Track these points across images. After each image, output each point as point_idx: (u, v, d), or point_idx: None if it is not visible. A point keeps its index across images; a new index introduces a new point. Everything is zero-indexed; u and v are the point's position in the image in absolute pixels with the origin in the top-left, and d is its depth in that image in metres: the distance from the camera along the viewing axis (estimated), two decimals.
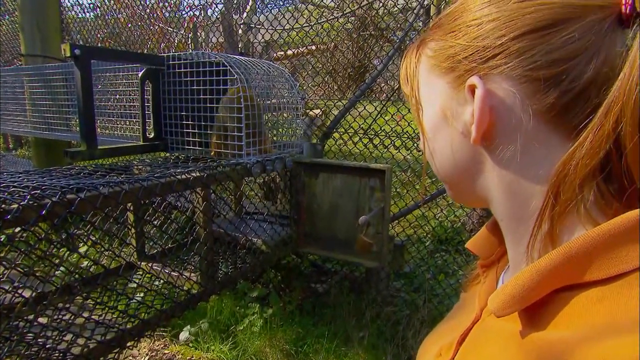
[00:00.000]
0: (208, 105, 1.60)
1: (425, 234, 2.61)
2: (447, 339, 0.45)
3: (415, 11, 3.52)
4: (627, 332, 0.24)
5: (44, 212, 0.95)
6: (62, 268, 1.54)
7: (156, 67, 1.68)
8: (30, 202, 0.94)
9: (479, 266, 0.49)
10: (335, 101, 3.45)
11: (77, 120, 2.24)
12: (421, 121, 0.42)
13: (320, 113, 4.12)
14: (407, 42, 5.57)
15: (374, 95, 5.20)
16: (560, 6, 0.31)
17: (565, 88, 0.31)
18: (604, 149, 0.29)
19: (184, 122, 1.69)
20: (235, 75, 1.48)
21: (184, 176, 1.30)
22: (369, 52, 5.46)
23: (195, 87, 1.62)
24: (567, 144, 0.31)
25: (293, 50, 5.92)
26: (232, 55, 1.66)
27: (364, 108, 2.49)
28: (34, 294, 1.28)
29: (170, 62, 1.66)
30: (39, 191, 0.99)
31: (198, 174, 1.35)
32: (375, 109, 2.49)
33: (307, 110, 4.46)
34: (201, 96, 1.61)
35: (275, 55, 6.53)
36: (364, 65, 5.21)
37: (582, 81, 0.30)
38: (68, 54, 1.41)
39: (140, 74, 1.67)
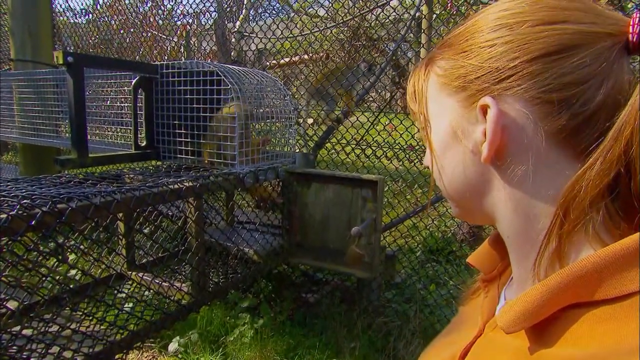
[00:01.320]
0: (201, 114, 1.60)
1: (416, 244, 2.63)
2: (447, 352, 0.45)
3: (407, 23, 3.58)
4: (636, 353, 0.25)
5: (33, 222, 0.94)
6: (50, 278, 1.51)
7: (149, 76, 1.67)
8: (20, 212, 0.93)
9: (480, 280, 0.50)
10: (325, 110, 3.47)
11: (67, 126, 2.21)
12: (429, 138, 0.42)
13: (313, 122, 4.15)
14: (399, 54, 5.64)
15: (366, 105, 5.24)
16: (571, 32, 0.33)
17: (576, 111, 0.32)
18: (614, 171, 0.30)
19: (177, 130, 1.68)
20: (229, 85, 1.48)
21: (176, 186, 1.29)
22: (360, 63, 5.53)
23: (188, 96, 1.62)
24: (576, 165, 0.32)
25: (286, 59, 5.96)
26: (225, 65, 1.67)
27: (357, 119, 2.51)
28: (20, 306, 1.25)
29: (164, 71, 1.66)
30: (28, 200, 0.97)
31: (190, 184, 1.34)
32: (368, 119, 2.51)
33: (300, 119, 4.48)
34: (194, 105, 1.61)
35: (268, 63, 6.56)
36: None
37: (593, 105, 0.32)
38: (61, 62, 1.40)
39: (133, 82, 1.67)
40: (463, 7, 4.07)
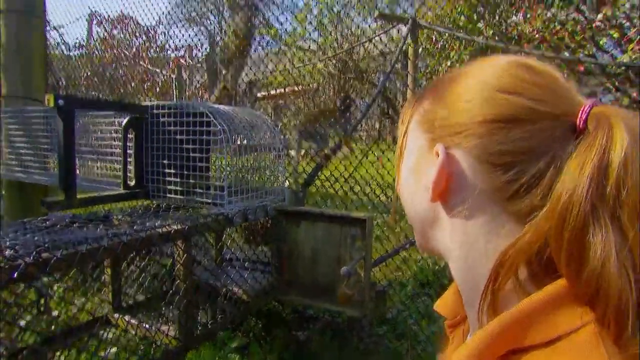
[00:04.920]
0: (191, 154, 1.61)
1: (407, 278, 2.61)
2: None
3: (396, 54, 3.70)
4: None
5: (16, 274, 0.92)
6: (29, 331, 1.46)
7: (140, 116, 1.69)
8: (2, 264, 0.91)
9: (446, 326, 0.52)
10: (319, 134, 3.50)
11: (56, 160, 2.20)
12: (399, 167, 0.47)
13: (304, 155, 4.19)
14: (388, 85, 5.77)
15: (357, 135, 5.33)
16: (522, 106, 0.36)
17: (512, 178, 0.35)
18: (540, 242, 0.33)
19: (166, 170, 1.69)
20: (219, 127, 1.51)
21: (164, 229, 1.29)
22: (350, 93, 5.65)
23: (178, 137, 1.63)
24: (521, 227, 0.35)
25: (277, 90, 6.07)
26: (215, 105, 1.70)
27: (346, 154, 2.54)
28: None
29: (154, 111, 1.68)
30: (11, 251, 0.96)
31: (179, 226, 1.34)
32: (357, 157, 2.55)
33: (290, 151, 4.53)
34: (184, 145, 1.62)
35: (259, 95, 6.68)
36: (346, 106, 5.38)
37: (528, 176, 0.35)
38: (52, 105, 1.41)
39: (124, 122, 1.68)
40: (447, 44, 4.25)
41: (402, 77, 5.17)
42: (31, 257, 0.96)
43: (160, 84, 5.34)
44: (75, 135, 1.45)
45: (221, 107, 1.72)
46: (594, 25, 3.82)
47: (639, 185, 0.30)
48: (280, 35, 5.55)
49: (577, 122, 0.34)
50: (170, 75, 5.04)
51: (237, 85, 6.42)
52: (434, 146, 0.40)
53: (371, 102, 3.07)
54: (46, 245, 1.03)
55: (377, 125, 5.90)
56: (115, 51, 6.13)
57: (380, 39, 4.92)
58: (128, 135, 1.71)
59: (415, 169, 0.44)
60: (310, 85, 5.19)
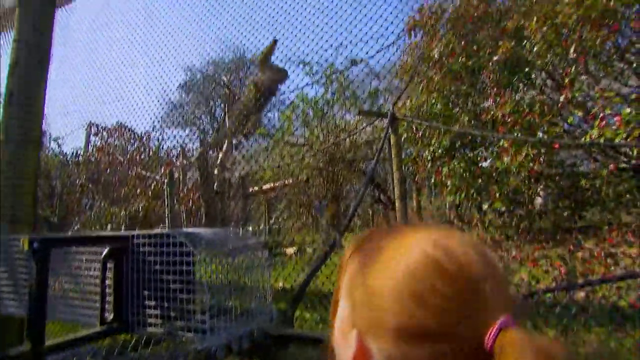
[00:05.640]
0: (171, 286, 1.55)
1: None
2: None
3: (379, 146, 3.84)
4: None
5: None
6: None
7: (120, 246, 1.66)
8: None
9: None
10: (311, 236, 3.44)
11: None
12: (333, 320, 0.47)
13: (297, 251, 4.12)
14: (378, 170, 5.88)
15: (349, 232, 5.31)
16: (427, 324, 0.36)
17: None
18: None
19: (147, 302, 1.61)
20: (198, 257, 1.47)
21: None
22: (340, 183, 5.77)
23: (158, 267, 1.59)
24: None
25: (268, 185, 6.20)
26: (197, 231, 1.68)
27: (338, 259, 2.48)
28: None
29: (135, 241, 1.65)
30: None
31: None
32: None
33: (284, 249, 4.46)
34: (164, 276, 1.57)
35: (250, 190, 6.80)
36: (336, 196, 5.45)
37: None
38: (26, 248, 1.38)
39: (104, 253, 1.65)
40: (427, 132, 4.47)
41: (390, 163, 5.29)
42: None
43: (152, 188, 5.44)
44: (48, 278, 1.39)
45: (203, 232, 1.71)
46: (559, 105, 4.07)
47: None
48: (268, 131, 5.84)
49: (485, 344, 0.34)
50: (162, 179, 5.16)
51: (229, 182, 6.56)
52: (352, 327, 0.42)
53: (361, 194, 3.10)
54: None
55: (369, 212, 5.92)
56: (110, 158, 6.36)
57: (365, 129, 5.17)
58: (107, 266, 1.66)
59: (341, 335, 0.45)
60: (300, 178, 5.31)
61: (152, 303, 1.60)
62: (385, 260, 0.42)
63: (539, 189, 4.83)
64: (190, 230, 1.68)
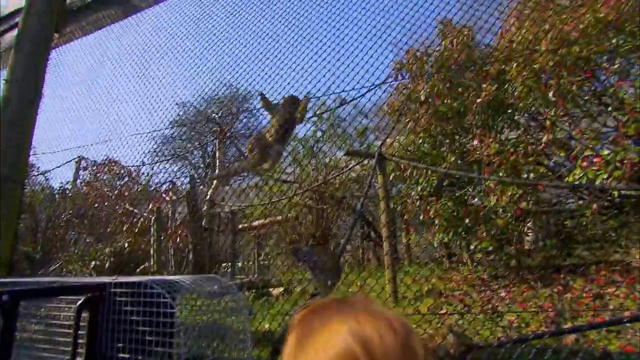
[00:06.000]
0: (147, 337, 1.50)
1: None
2: None
3: (367, 184, 3.87)
4: None
5: None
6: None
7: (96, 295, 1.61)
8: None
9: None
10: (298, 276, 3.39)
11: None
12: None
13: (283, 291, 4.03)
14: (364, 209, 5.89)
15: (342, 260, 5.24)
16: None
17: None
18: None
19: (120, 355, 1.55)
20: (176, 309, 1.43)
21: None
22: (330, 221, 5.75)
23: (135, 318, 1.54)
24: None
25: (258, 222, 6.15)
26: (177, 279, 1.64)
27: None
28: None
29: (112, 290, 1.61)
30: None
31: None
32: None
33: (270, 290, 4.37)
34: (141, 327, 1.51)
35: (240, 227, 6.73)
36: (326, 234, 5.41)
37: None
38: None
39: (78, 303, 1.59)
40: (414, 171, 4.53)
41: (379, 201, 5.29)
42: None
43: (139, 225, 5.36)
44: (15, 331, 1.34)
45: (184, 280, 1.67)
46: (542, 146, 4.18)
47: None
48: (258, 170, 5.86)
49: None
50: (149, 216, 5.09)
51: (218, 218, 6.50)
52: None
53: (347, 236, 3.10)
54: None
55: (360, 250, 5.87)
56: (97, 193, 6.29)
57: (354, 168, 5.22)
58: (82, 316, 1.61)
59: None
60: (289, 215, 5.28)
61: (127, 356, 1.53)
62: (312, 348, 0.49)
63: (527, 228, 4.86)
64: (170, 278, 1.64)
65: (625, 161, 3.34)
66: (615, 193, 3.68)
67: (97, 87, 5.02)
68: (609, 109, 4.01)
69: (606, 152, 3.58)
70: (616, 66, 3.79)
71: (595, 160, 3.69)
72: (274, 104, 3.52)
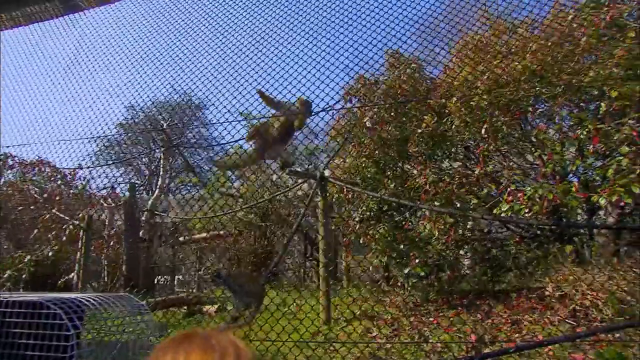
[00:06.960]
0: (30, 352, 1.39)
1: None
2: None
3: (306, 204, 3.90)
4: None
5: None
6: None
7: None
8: None
9: None
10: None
11: None
12: None
13: (216, 309, 3.91)
14: (308, 227, 5.91)
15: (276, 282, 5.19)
16: None
17: None
18: None
19: None
20: (72, 332, 1.35)
21: None
22: (272, 239, 5.69)
23: (27, 340, 1.42)
24: None
25: (200, 235, 5.96)
26: (81, 300, 1.55)
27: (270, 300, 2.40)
28: None
29: (2, 309, 1.48)
30: None
31: None
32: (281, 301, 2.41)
33: (204, 308, 4.22)
34: (36, 352, 1.40)
35: (181, 238, 6.49)
36: (268, 252, 5.34)
37: None
38: None
39: None
40: (355, 195, 4.65)
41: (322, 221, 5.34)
42: None
43: (67, 232, 4.99)
44: None
45: (89, 298, 1.58)
46: (475, 178, 4.46)
47: None
48: (203, 181, 5.72)
49: None
50: (79, 224, 4.77)
51: (160, 228, 6.22)
52: None
53: (283, 249, 3.11)
54: None
55: (301, 269, 5.87)
56: (22, 195, 5.80)
57: (302, 186, 5.24)
58: None
59: None
60: (232, 231, 5.19)
61: None
62: None
63: (461, 254, 5.11)
64: (73, 297, 1.54)
65: (542, 197, 3.64)
66: (534, 226, 3.99)
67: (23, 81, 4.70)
68: (532, 148, 4.39)
69: (528, 188, 3.89)
70: (539, 111, 4.17)
71: (519, 195, 3.99)
72: (277, 101, 3.45)
